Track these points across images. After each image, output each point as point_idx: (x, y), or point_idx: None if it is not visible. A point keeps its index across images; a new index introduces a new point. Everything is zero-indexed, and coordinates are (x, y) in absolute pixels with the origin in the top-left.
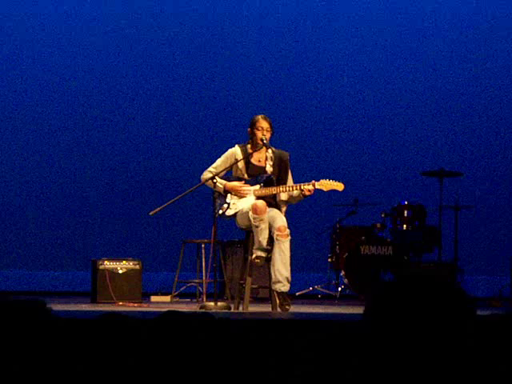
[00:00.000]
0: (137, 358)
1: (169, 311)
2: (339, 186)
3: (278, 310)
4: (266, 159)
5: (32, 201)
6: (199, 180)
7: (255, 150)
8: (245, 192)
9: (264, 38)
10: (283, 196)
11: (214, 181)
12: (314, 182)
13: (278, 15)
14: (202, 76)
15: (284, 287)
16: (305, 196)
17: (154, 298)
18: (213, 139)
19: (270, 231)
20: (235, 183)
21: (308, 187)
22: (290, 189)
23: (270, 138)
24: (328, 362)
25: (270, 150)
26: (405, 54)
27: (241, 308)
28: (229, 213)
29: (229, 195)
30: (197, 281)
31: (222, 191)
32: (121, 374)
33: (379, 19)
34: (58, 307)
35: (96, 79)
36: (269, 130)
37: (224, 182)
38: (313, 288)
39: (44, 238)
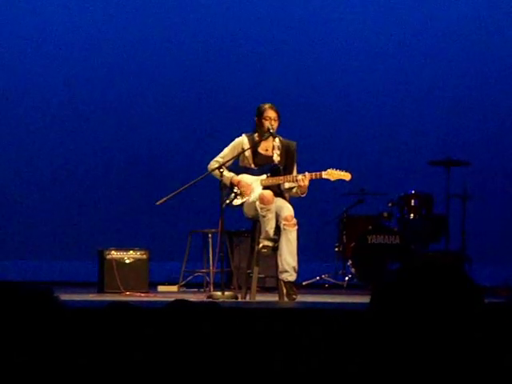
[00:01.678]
0: (144, 348)
1: (177, 300)
2: (346, 176)
3: (285, 299)
4: (274, 148)
5: (39, 191)
6: (206, 169)
7: (262, 139)
8: (248, 192)
9: (271, 26)
10: (287, 184)
11: (221, 170)
12: (320, 172)
13: (286, 3)
14: (208, 64)
15: (291, 277)
16: (300, 188)
17: (161, 288)
18: (220, 128)
19: (277, 221)
20: (241, 179)
21: (302, 177)
22: (296, 178)
23: (278, 127)
24: (335, 351)
25: (277, 139)
26: (412, 42)
27: (248, 298)
28: (236, 202)
29: None
30: (204, 270)
31: (228, 182)
32: (128, 363)
33: (387, 5)
34: (65, 297)
35: (103, 66)
36: (276, 119)
37: (232, 174)
38: (320, 277)
39: (51, 228)
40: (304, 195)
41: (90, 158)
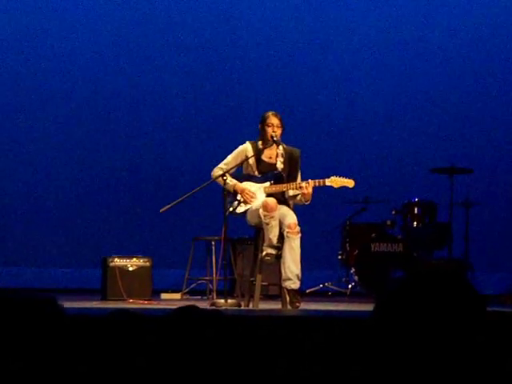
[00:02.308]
0: (147, 355)
1: (183, 307)
2: (350, 183)
3: (289, 307)
4: (277, 156)
5: (42, 197)
6: (210, 177)
7: (266, 147)
8: (251, 200)
9: (276, 35)
10: (291, 192)
11: (224, 178)
12: (324, 180)
13: (289, 10)
14: (214, 73)
15: (294, 284)
16: (304, 195)
17: (164, 296)
18: (224, 136)
19: (281, 228)
20: (245, 187)
21: (306, 184)
22: (299, 186)
23: (281, 134)
24: (338, 359)
25: (280, 147)
26: (414, 50)
27: (251, 305)
28: (239, 210)
29: None
30: (207, 278)
31: (231, 190)
32: (130, 371)
33: (391, 13)
34: (68, 304)
35: (108, 72)
36: (279, 126)
37: (235, 181)
38: (323, 285)
39: (54, 235)
40: (308, 203)
41: (93, 164)
